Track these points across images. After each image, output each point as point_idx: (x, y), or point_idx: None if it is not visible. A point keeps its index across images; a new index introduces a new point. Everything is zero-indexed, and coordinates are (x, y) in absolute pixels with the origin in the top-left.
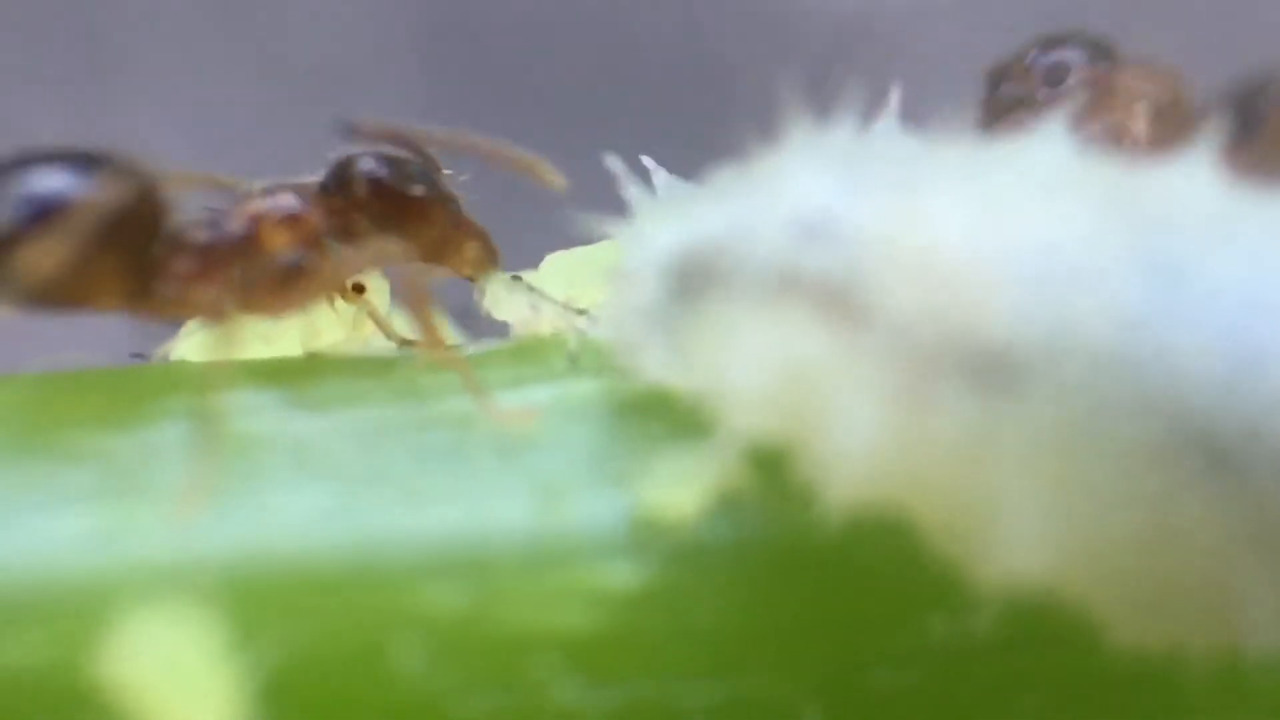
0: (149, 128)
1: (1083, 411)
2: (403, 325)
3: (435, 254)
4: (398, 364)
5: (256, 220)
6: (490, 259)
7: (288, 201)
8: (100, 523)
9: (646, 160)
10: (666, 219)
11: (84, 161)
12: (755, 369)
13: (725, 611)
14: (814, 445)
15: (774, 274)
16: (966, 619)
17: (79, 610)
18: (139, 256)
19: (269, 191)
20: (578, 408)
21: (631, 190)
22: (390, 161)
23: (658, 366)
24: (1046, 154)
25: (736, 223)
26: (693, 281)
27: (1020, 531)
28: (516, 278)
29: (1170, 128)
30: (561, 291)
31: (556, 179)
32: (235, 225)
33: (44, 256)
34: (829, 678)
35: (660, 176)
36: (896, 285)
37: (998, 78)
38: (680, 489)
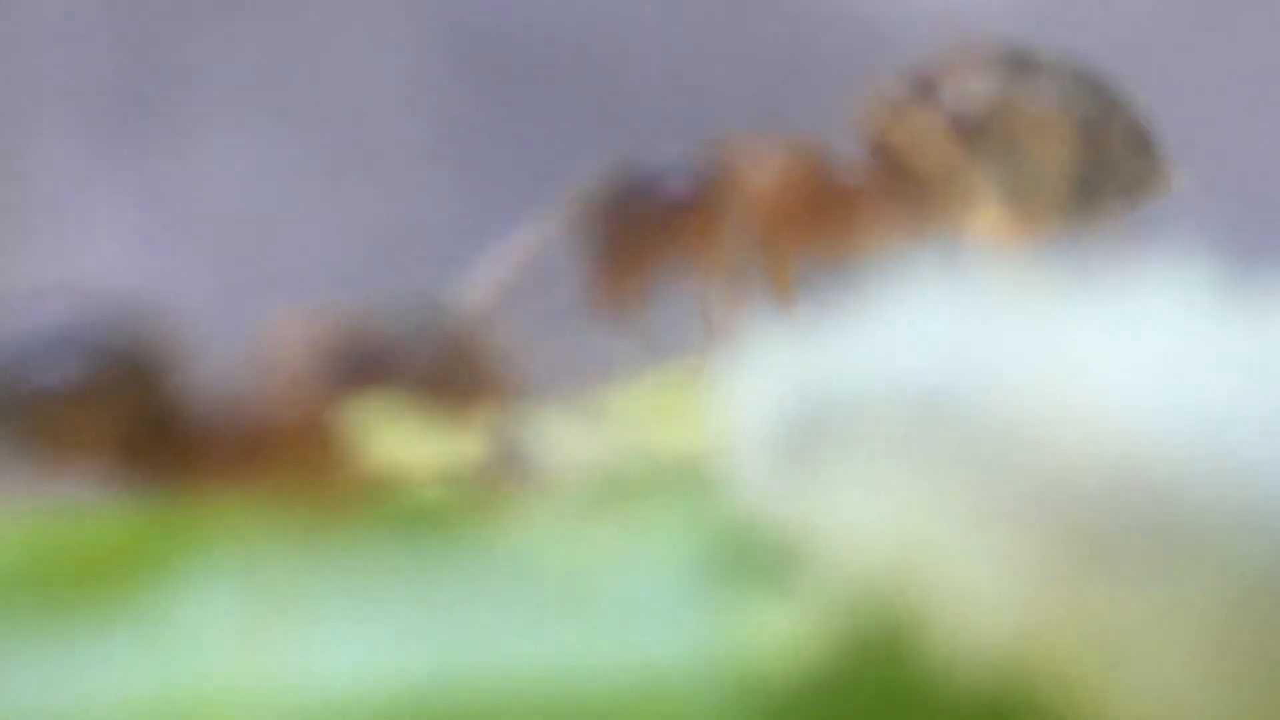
0: (192, 178)
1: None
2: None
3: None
4: (467, 495)
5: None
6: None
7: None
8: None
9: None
10: (779, 361)
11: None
12: (872, 529)
13: None
14: (931, 608)
15: (899, 422)
16: None
17: None
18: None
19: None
20: (671, 548)
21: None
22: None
23: (765, 514)
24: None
25: (852, 369)
26: (805, 432)
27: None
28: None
29: None
30: (621, 428)
31: None
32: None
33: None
34: None
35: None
36: (1041, 446)
37: None
38: (778, 641)
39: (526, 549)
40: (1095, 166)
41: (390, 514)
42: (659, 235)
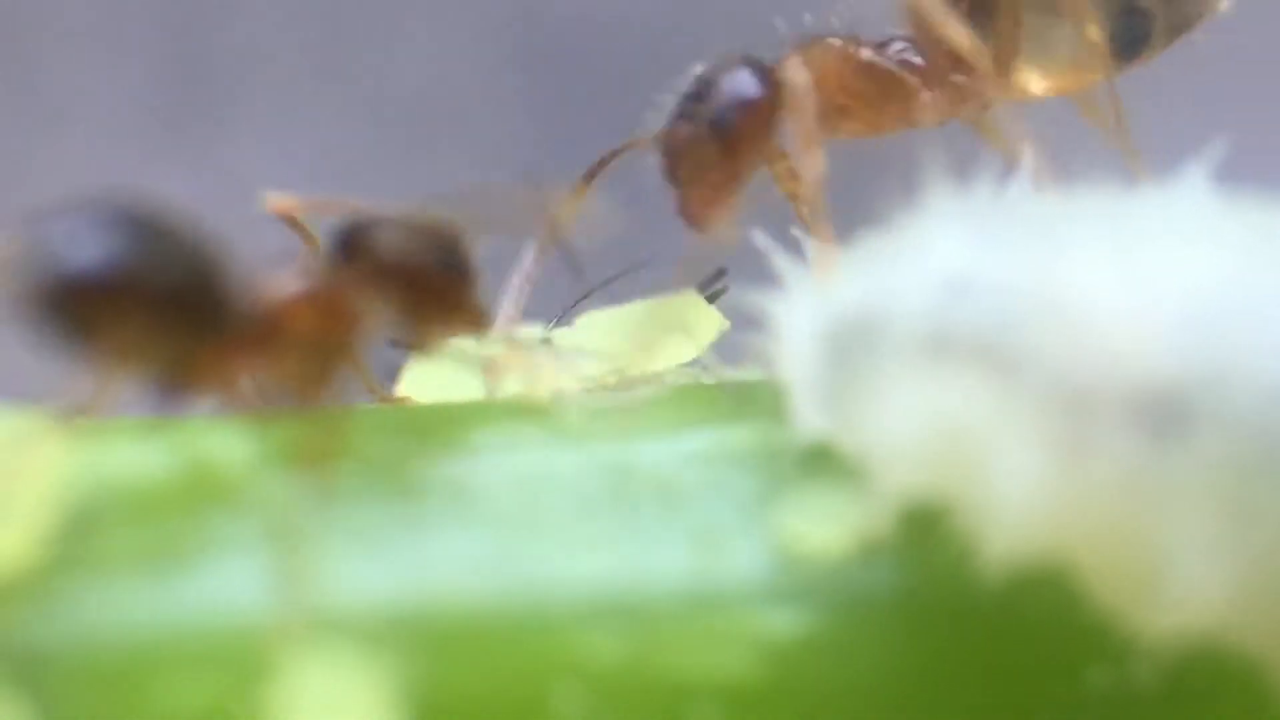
0: (253, 167)
1: (1256, 447)
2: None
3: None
4: (554, 409)
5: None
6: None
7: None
8: (259, 570)
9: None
10: (817, 285)
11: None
12: (909, 426)
13: (885, 662)
14: (971, 498)
15: (924, 333)
16: (1130, 670)
17: (243, 657)
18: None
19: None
20: (734, 456)
21: (781, 260)
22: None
23: (815, 422)
24: (1185, 197)
25: (884, 285)
26: (845, 344)
27: (1188, 578)
28: (546, 338)
29: None
30: (595, 348)
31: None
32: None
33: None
34: None
35: (809, 245)
36: (1048, 335)
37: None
38: (832, 535)
39: (620, 457)
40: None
41: (497, 419)
42: (733, 143)
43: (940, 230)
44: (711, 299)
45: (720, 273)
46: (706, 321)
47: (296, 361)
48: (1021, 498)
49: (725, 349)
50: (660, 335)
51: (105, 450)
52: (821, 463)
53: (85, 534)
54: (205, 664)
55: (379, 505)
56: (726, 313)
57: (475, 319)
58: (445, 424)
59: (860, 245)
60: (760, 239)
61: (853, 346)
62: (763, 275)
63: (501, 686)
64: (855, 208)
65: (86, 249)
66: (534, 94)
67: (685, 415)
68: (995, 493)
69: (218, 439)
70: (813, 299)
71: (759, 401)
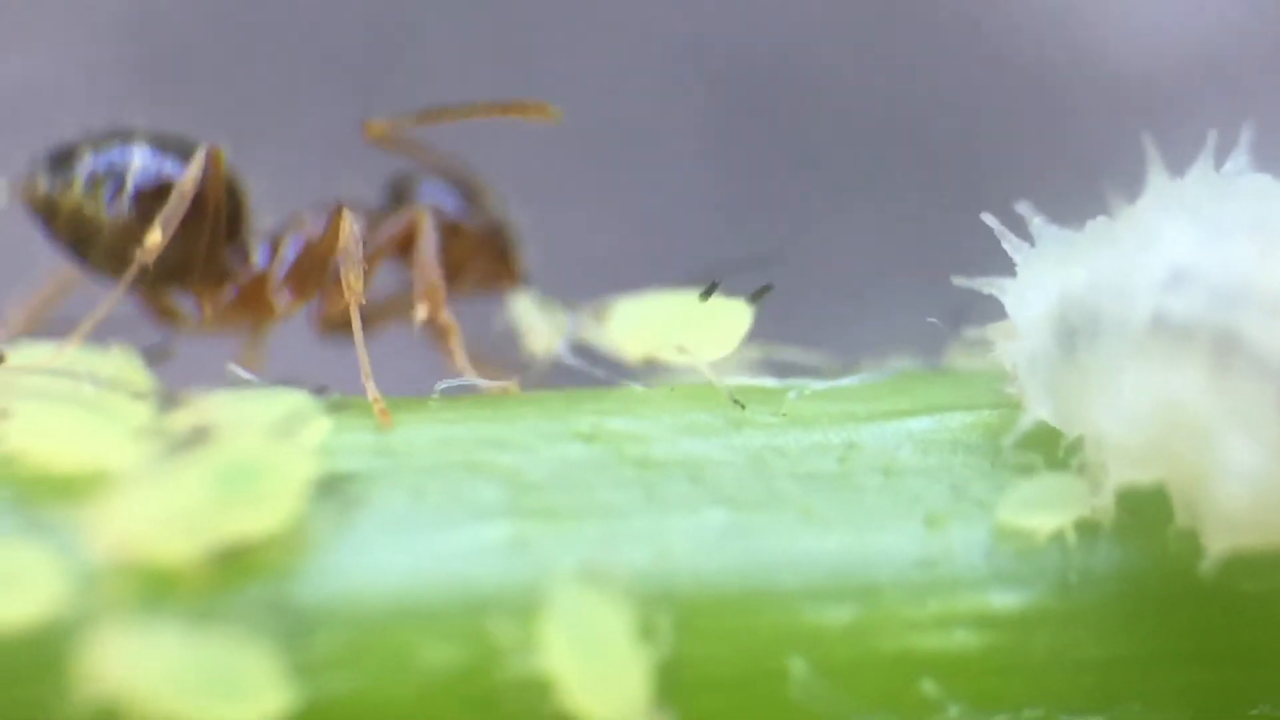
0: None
1: None
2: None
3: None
4: (784, 392)
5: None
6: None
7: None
8: (514, 535)
9: (1023, 210)
10: (1044, 270)
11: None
12: (1133, 412)
13: (1102, 640)
14: (1192, 483)
15: (1149, 321)
16: None
17: (496, 613)
18: (214, 253)
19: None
20: (956, 439)
21: (1012, 243)
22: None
23: (1038, 405)
24: None
25: (1111, 274)
26: (1070, 329)
27: None
28: (598, 310)
29: None
30: (624, 334)
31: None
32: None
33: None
34: (1209, 711)
35: (1039, 228)
36: (1269, 324)
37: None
38: (1052, 517)
39: (846, 438)
40: None
41: (728, 400)
42: None
43: (1164, 219)
44: (754, 298)
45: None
46: (735, 318)
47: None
48: (1242, 484)
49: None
50: (688, 329)
51: (365, 426)
52: (1044, 447)
53: (348, 499)
54: (460, 620)
55: (623, 481)
56: (946, 298)
57: (513, 275)
58: (677, 404)
59: (1087, 234)
60: (988, 225)
61: (1078, 334)
62: (985, 264)
63: (741, 654)
64: (1064, 193)
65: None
66: (728, 118)
67: (908, 400)
68: (1216, 478)
69: (461, 415)
70: (1040, 287)
71: (980, 387)
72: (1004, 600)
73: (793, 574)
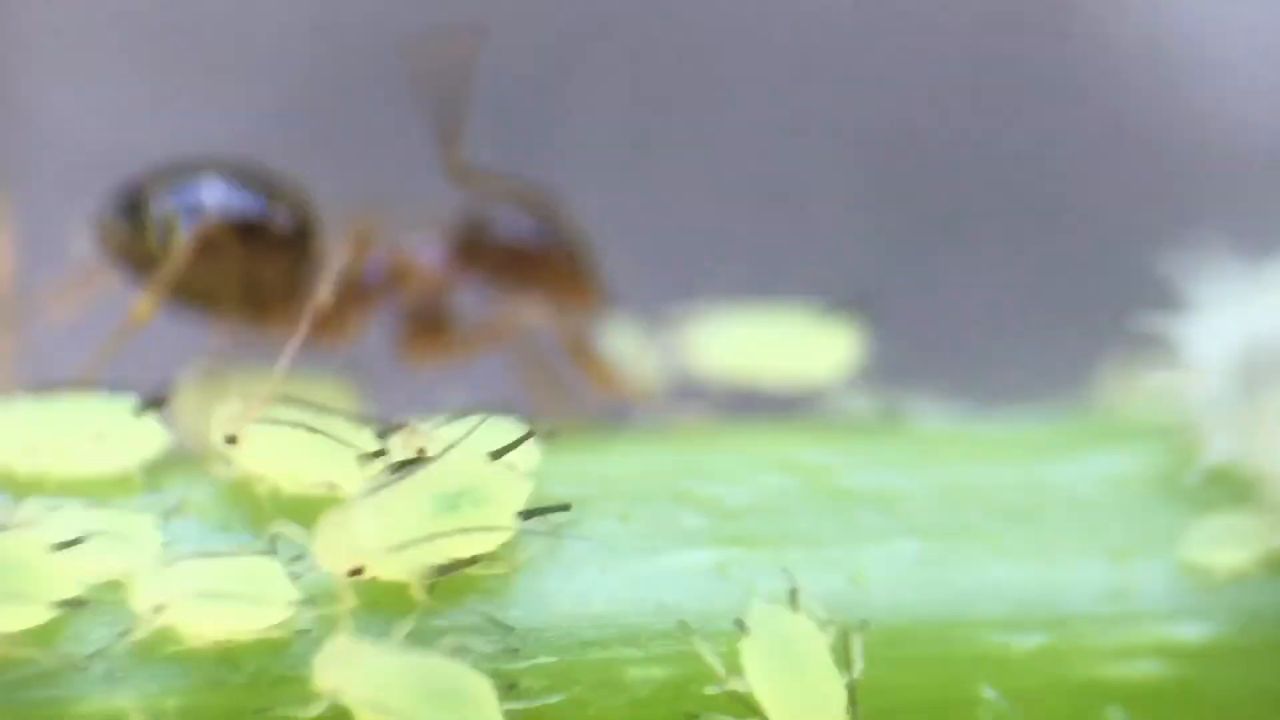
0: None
1: None
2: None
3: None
4: (973, 427)
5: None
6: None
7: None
8: (716, 561)
9: (1202, 252)
10: (1229, 309)
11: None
12: None
13: None
14: None
15: None
16: None
17: (700, 635)
18: (282, 280)
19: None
20: (1137, 475)
21: (1192, 282)
22: (522, 216)
23: (1218, 443)
24: None
25: None
26: (1256, 371)
27: None
28: (678, 328)
29: None
30: (714, 352)
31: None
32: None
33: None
34: None
35: (1219, 270)
36: None
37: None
38: (1235, 553)
39: (1035, 474)
40: None
41: (919, 433)
42: None
43: None
44: (853, 317)
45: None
46: (838, 341)
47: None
48: None
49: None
50: (784, 348)
51: (575, 453)
52: (1225, 484)
53: (559, 524)
54: (663, 640)
55: (819, 511)
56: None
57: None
58: (868, 437)
59: (1268, 269)
60: (1164, 265)
61: (1263, 373)
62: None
63: (933, 680)
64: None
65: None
66: (889, 173)
67: (1088, 437)
68: None
69: (663, 445)
70: (1225, 326)
71: (1155, 424)
72: (1186, 633)
73: (983, 603)
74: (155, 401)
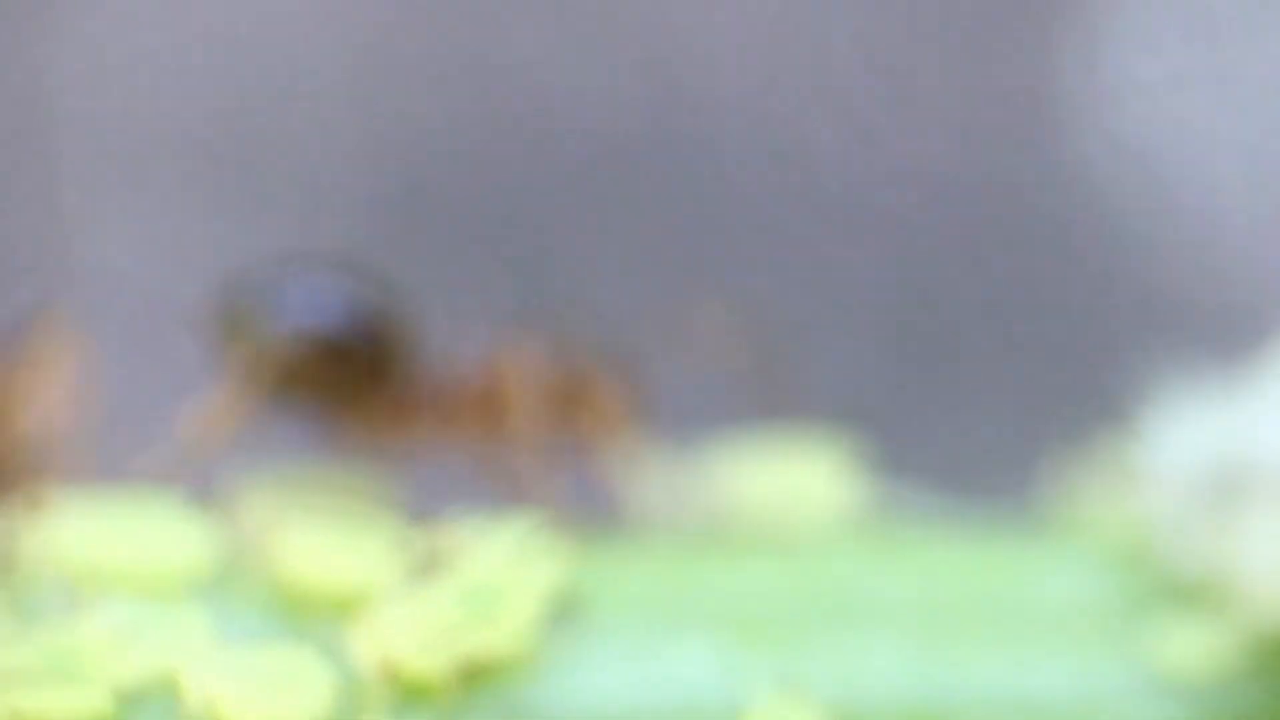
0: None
1: None
2: None
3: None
4: (950, 530)
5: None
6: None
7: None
8: (722, 652)
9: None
10: (1189, 424)
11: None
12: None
13: None
14: None
15: None
16: None
17: None
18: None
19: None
20: (1113, 583)
21: (1144, 397)
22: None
23: (1181, 555)
24: None
25: (1254, 427)
26: (1215, 484)
27: None
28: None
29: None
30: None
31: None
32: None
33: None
34: None
35: (1178, 382)
36: None
37: None
38: (1199, 661)
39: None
40: None
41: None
42: None
43: None
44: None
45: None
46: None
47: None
48: None
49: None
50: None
51: (597, 552)
52: (1188, 593)
53: (571, 625)
54: None
55: (819, 612)
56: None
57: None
58: (858, 539)
59: (1224, 385)
60: (1112, 383)
61: (1222, 486)
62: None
63: None
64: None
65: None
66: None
67: (1065, 544)
68: None
69: (671, 547)
70: (1181, 441)
71: (1115, 529)
72: None
73: (977, 702)
74: (209, 500)
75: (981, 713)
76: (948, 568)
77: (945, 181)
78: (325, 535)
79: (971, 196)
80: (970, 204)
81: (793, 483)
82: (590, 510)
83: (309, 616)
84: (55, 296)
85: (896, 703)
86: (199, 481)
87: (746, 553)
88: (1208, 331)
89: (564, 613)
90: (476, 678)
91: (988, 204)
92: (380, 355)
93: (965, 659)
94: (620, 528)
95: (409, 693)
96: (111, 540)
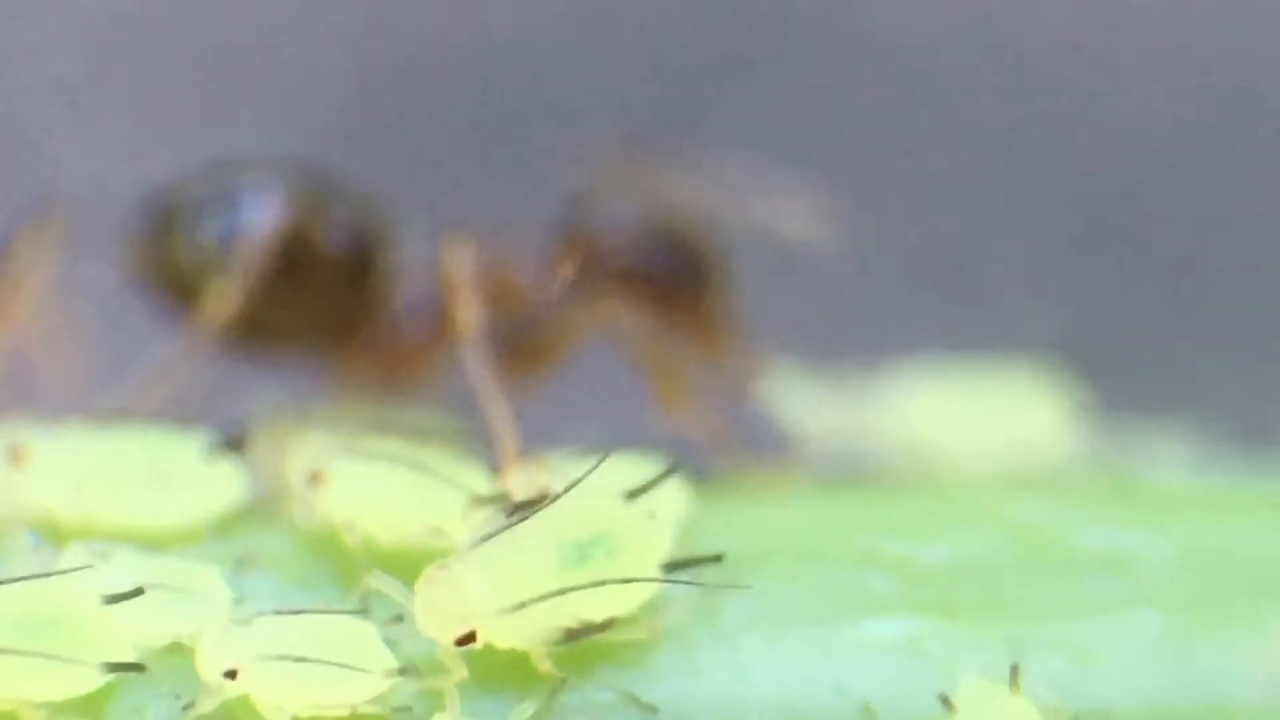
0: None
1: None
2: None
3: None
4: (1215, 481)
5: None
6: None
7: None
8: (909, 633)
9: None
10: None
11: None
12: None
13: None
14: None
15: None
16: None
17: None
18: (345, 300)
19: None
20: None
21: None
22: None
23: None
24: None
25: None
26: None
27: None
28: (861, 381)
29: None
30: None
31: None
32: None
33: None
34: None
35: None
36: None
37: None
38: None
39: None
40: None
41: (1150, 488)
42: None
43: None
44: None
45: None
46: (1051, 399)
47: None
48: None
49: None
50: (990, 410)
51: (731, 502)
52: None
53: (713, 584)
54: None
55: (1034, 576)
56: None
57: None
58: (1083, 489)
59: None
60: None
61: None
62: None
63: None
64: None
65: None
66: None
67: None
68: None
69: (838, 496)
70: None
71: None
72: None
73: (1238, 689)
74: (231, 442)
75: (1252, 697)
76: (1212, 521)
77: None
78: (382, 478)
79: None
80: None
81: (1003, 421)
82: (736, 446)
83: (361, 577)
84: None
85: (1144, 688)
86: (226, 419)
87: (940, 501)
88: None
89: (695, 570)
90: (581, 653)
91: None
92: (356, 266)
93: (1233, 634)
94: (772, 468)
95: (492, 673)
96: (113, 484)
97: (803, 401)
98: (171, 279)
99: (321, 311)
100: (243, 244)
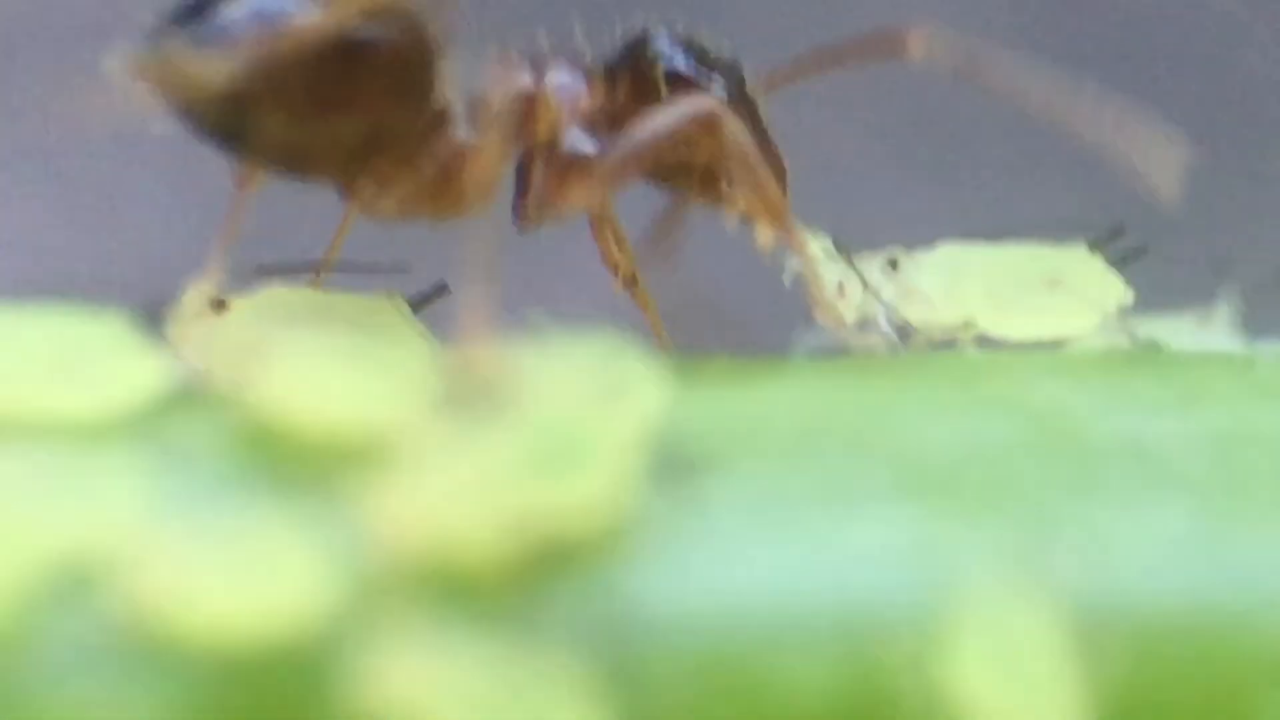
0: None
1: None
2: None
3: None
4: (1253, 361)
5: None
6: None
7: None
8: (911, 532)
9: None
10: None
11: None
12: None
13: None
14: None
15: None
16: None
17: (887, 631)
18: (381, 119)
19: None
20: None
21: None
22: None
23: None
24: None
25: None
26: None
27: None
28: (893, 260)
29: None
30: (937, 287)
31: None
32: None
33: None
34: None
35: None
36: None
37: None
38: None
39: None
40: None
41: (1180, 367)
42: None
43: None
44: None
45: (1118, 231)
46: (1105, 286)
47: None
48: None
49: None
50: (1035, 291)
51: (713, 389)
52: None
53: (685, 483)
54: (837, 636)
55: (1050, 467)
56: None
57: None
58: (1106, 369)
59: None
60: None
61: None
62: None
63: (1201, 689)
64: None
65: None
66: None
67: None
68: None
69: (833, 380)
70: None
71: None
72: None
73: (1273, 592)
74: (151, 318)
75: (1272, 596)
76: (1248, 403)
77: None
78: (327, 362)
79: None
80: None
81: (1036, 305)
82: (719, 324)
83: (301, 472)
84: None
85: (1169, 588)
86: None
87: (950, 387)
88: None
89: (673, 468)
90: (546, 560)
91: None
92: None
93: (1270, 527)
94: (771, 354)
95: (447, 583)
96: (14, 364)
97: (831, 278)
98: (181, 87)
99: (365, 125)
100: (272, 39)
